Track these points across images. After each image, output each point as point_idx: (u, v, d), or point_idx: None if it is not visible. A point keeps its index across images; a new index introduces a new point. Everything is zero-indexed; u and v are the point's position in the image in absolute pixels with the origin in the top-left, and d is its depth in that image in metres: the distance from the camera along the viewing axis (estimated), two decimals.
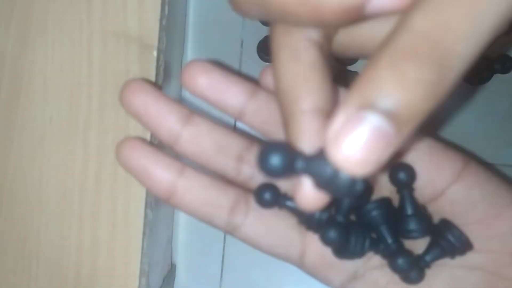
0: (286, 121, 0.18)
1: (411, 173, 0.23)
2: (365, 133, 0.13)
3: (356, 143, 0.13)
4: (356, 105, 0.13)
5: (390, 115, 0.12)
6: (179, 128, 0.23)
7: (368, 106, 0.13)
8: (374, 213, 0.23)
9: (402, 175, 0.23)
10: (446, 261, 0.23)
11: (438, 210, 0.24)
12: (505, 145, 0.33)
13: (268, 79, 0.24)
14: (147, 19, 0.28)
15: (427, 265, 0.23)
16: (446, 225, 0.23)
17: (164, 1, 0.28)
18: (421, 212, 0.23)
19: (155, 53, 0.28)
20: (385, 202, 0.23)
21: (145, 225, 0.27)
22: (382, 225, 0.23)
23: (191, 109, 0.23)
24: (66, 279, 0.28)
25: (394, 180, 0.23)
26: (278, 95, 0.19)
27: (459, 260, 0.23)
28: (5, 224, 0.28)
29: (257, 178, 0.24)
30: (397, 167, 0.23)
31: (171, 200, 0.23)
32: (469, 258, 0.23)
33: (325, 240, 0.22)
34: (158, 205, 0.29)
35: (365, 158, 0.13)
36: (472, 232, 0.23)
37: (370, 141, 0.13)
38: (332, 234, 0.22)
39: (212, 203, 0.23)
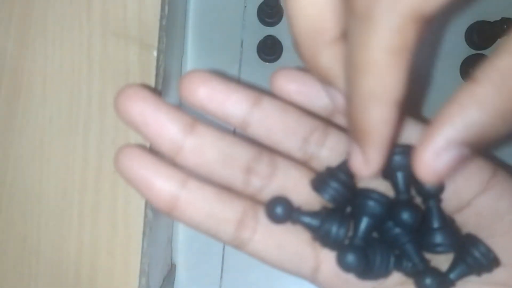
0: (311, 62, 0.19)
1: (439, 184, 0.22)
2: (451, 160, 0.17)
3: (446, 166, 0.17)
4: (443, 140, 0.16)
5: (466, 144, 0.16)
6: (181, 138, 0.21)
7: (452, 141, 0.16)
8: (397, 230, 0.22)
9: (429, 186, 0.21)
10: (470, 278, 0.22)
11: (463, 222, 0.22)
12: (505, 145, 0.33)
13: (278, 83, 0.22)
14: (147, 19, 0.28)
15: (452, 283, 0.22)
16: (472, 240, 0.22)
17: (164, 1, 0.28)
18: (450, 225, 0.22)
19: (155, 53, 0.28)
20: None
21: (145, 225, 0.27)
22: (407, 243, 0.22)
23: (194, 117, 0.22)
24: (66, 279, 0.28)
25: (420, 190, 0.22)
26: (300, 37, 0.19)
27: (484, 277, 0.22)
28: (5, 224, 0.28)
29: (268, 190, 0.22)
30: None
31: (172, 213, 0.22)
32: (495, 274, 0.22)
33: (343, 266, 0.21)
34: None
35: (446, 173, 0.17)
36: (497, 245, 0.22)
37: (454, 163, 0.17)
38: (351, 259, 0.21)
39: (217, 216, 0.22)
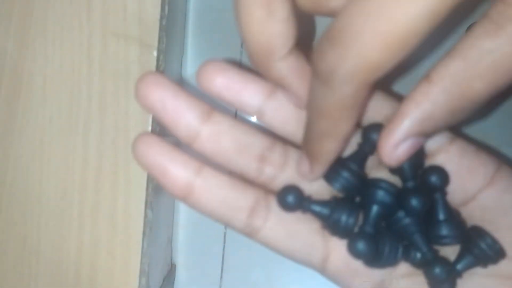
0: (265, 73, 0.21)
1: (444, 176, 0.22)
2: (408, 148, 0.19)
3: (403, 153, 0.19)
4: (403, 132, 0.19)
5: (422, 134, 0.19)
6: (198, 125, 0.22)
7: (412, 133, 0.19)
8: (406, 221, 0.22)
9: (434, 178, 0.22)
10: (476, 270, 0.22)
11: (468, 216, 0.23)
12: (505, 144, 0.33)
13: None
14: (147, 19, 0.28)
15: (459, 274, 0.22)
16: (478, 232, 0.22)
17: (164, 1, 0.28)
18: (455, 217, 0.22)
19: (155, 53, 0.28)
20: None
21: (145, 225, 0.27)
22: (415, 234, 0.22)
23: (212, 106, 0.23)
24: (66, 279, 0.28)
25: (426, 183, 0.22)
26: (252, 54, 0.20)
27: (489, 269, 0.22)
28: (5, 224, 0.28)
29: (280, 179, 0.23)
30: (429, 170, 0.22)
31: (187, 200, 0.22)
32: (500, 266, 0.22)
33: (354, 253, 0.21)
34: (158, 205, 0.29)
35: (406, 158, 0.19)
36: (502, 239, 0.22)
37: (410, 150, 0.19)
38: (361, 246, 0.21)
39: (231, 204, 0.22)
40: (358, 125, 0.23)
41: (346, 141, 0.21)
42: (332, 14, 0.19)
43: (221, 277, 0.34)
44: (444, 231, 0.22)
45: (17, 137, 0.28)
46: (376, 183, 0.22)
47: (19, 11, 0.28)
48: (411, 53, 0.17)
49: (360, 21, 0.16)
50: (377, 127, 0.22)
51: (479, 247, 0.22)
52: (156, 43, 0.28)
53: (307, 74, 0.21)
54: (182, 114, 0.22)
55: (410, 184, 0.22)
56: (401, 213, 0.22)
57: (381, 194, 0.22)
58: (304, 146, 0.22)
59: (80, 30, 0.28)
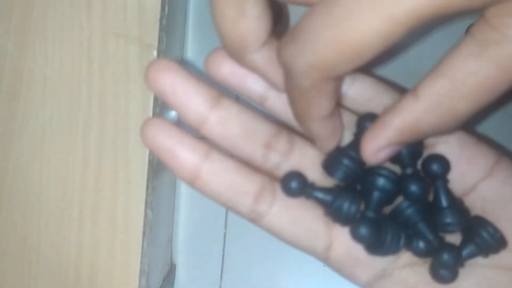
0: (240, 64, 0.22)
1: (445, 164, 0.22)
2: (388, 154, 0.20)
3: (384, 157, 0.20)
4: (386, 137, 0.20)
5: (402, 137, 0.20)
6: (207, 110, 0.22)
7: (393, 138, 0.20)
8: (410, 210, 0.22)
9: (436, 166, 0.22)
10: (478, 261, 0.23)
11: (469, 206, 0.23)
12: (505, 144, 0.33)
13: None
14: (147, 19, 0.28)
15: (461, 263, 0.22)
16: (480, 221, 0.22)
17: (164, 1, 0.28)
18: (458, 205, 0.22)
19: (155, 53, 0.28)
20: None
21: (145, 225, 0.27)
22: (420, 222, 0.22)
23: (220, 92, 0.23)
24: (66, 279, 0.28)
25: (427, 171, 0.22)
26: (227, 49, 0.21)
27: (490, 259, 0.22)
28: (5, 224, 0.28)
29: (284, 166, 0.24)
30: (430, 158, 0.22)
31: (195, 184, 0.22)
32: (501, 258, 0.22)
33: (356, 237, 0.22)
34: (158, 205, 0.29)
35: (386, 160, 0.21)
36: (503, 230, 0.22)
37: (389, 155, 0.20)
38: (364, 230, 0.21)
39: (237, 188, 0.22)
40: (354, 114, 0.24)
41: (336, 119, 0.22)
42: (308, 3, 0.20)
43: (221, 277, 0.34)
44: (448, 218, 0.22)
45: (17, 137, 0.28)
46: (376, 170, 0.22)
47: (19, 11, 0.28)
48: (366, 62, 0.17)
49: (321, 25, 0.17)
50: (371, 117, 0.23)
51: (480, 236, 0.22)
52: (156, 43, 0.28)
53: None
54: (192, 98, 0.22)
55: (409, 170, 0.22)
56: (404, 203, 0.22)
57: (382, 181, 0.22)
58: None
59: (80, 30, 0.28)
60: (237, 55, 0.21)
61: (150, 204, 0.28)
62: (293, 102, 0.20)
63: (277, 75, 0.21)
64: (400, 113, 0.19)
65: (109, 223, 0.27)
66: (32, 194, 0.28)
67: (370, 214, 0.22)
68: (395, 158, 0.23)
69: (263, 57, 0.21)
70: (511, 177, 0.23)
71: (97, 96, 0.28)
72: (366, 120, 0.23)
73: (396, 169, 0.23)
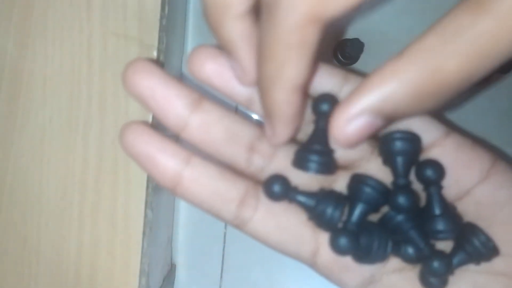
0: (217, 31, 0.20)
1: (440, 170, 0.22)
2: (361, 126, 0.18)
3: (355, 132, 0.18)
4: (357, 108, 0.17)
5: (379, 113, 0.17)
6: (187, 114, 0.21)
7: (364, 109, 0.17)
8: (400, 218, 0.22)
9: (430, 172, 0.21)
10: (469, 266, 0.22)
11: (462, 211, 0.23)
12: (506, 145, 0.33)
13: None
14: (147, 19, 0.28)
15: (451, 271, 0.22)
16: (472, 229, 0.22)
17: (164, 1, 0.28)
18: (451, 212, 0.22)
19: (155, 53, 0.28)
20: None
21: (145, 225, 0.27)
22: (410, 230, 0.22)
23: (201, 94, 0.22)
24: (66, 279, 0.28)
25: (421, 177, 0.22)
26: (208, 10, 0.20)
27: (482, 265, 0.22)
28: (5, 224, 0.28)
29: (268, 169, 0.23)
30: (424, 163, 0.22)
31: (176, 190, 0.22)
32: (493, 263, 0.22)
33: (335, 249, 0.21)
34: (158, 205, 0.29)
35: (358, 140, 0.18)
36: (496, 235, 0.21)
37: (363, 130, 0.18)
38: (343, 241, 0.21)
39: (220, 194, 0.22)
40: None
41: (303, 101, 0.20)
42: None
43: (221, 277, 0.34)
44: (440, 226, 0.21)
45: (17, 137, 0.28)
46: (363, 180, 0.22)
47: (19, 11, 0.28)
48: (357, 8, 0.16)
49: None
50: (329, 98, 0.22)
51: (472, 244, 0.21)
52: (156, 43, 0.28)
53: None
54: (172, 102, 0.21)
55: (401, 181, 0.22)
56: (394, 210, 0.22)
57: (367, 192, 0.21)
58: (261, 106, 0.21)
59: (80, 30, 0.28)
60: (217, 16, 0.20)
61: (150, 204, 0.28)
62: (265, 58, 0.18)
63: (248, 57, 0.20)
64: (379, 74, 0.17)
65: (109, 223, 0.27)
66: (32, 194, 0.28)
67: (351, 226, 0.21)
68: (389, 162, 0.22)
69: (241, 29, 0.20)
70: (506, 181, 0.22)
71: (97, 96, 0.28)
72: (322, 102, 0.22)
73: (387, 172, 0.23)
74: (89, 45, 0.28)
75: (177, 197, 0.22)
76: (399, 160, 0.22)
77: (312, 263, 0.23)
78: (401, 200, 0.21)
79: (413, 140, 0.22)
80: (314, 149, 0.22)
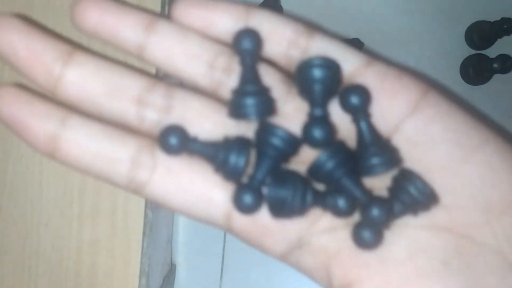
0: None
1: (365, 95, 0.19)
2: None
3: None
4: None
5: None
6: (58, 68, 0.19)
7: None
8: (329, 165, 0.19)
9: (355, 98, 0.19)
10: (408, 221, 0.19)
11: None
12: None
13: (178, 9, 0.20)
14: None
15: (386, 225, 0.19)
16: (406, 175, 0.19)
17: (164, 1, 0.28)
18: (383, 141, 0.19)
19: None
20: (339, 147, 0.19)
21: (145, 225, 0.27)
22: (343, 178, 0.19)
23: (73, 46, 0.20)
24: (66, 279, 0.28)
25: (346, 104, 0.19)
26: None
27: (422, 219, 0.19)
28: (5, 224, 0.28)
29: (165, 123, 0.20)
30: (348, 89, 0.19)
31: (56, 156, 0.19)
32: (434, 216, 0.19)
33: (238, 206, 0.19)
34: (158, 205, 0.29)
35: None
36: (435, 181, 0.19)
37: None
38: (247, 199, 0.19)
39: (106, 156, 0.19)
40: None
41: None
42: None
43: (221, 277, 0.34)
44: (374, 159, 0.19)
45: (17, 137, 0.28)
46: (270, 130, 0.19)
47: (19, 11, 0.28)
48: None
49: None
50: (250, 33, 0.20)
51: (407, 191, 0.19)
52: None
53: None
54: (37, 56, 0.19)
55: (317, 112, 0.19)
56: (323, 156, 0.19)
57: (275, 143, 0.19)
58: None
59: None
60: None
61: (150, 204, 0.28)
62: None
63: None
64: None
65: (109, 223, 0.27)
66: (32, 194, 0.28)
67: (256, 182, 0.19)
68: (306, 92, 0.20)
69: None
70: (439, 114, 0.19)
71: None
72: (244, 38, 0.20)
73: (305, 106, 0.20)
74: (89, 45, 0.28)
75: (61, 163, 0.20)
76: (316, 88, 0.19)
77: (228, 228, 0.20)
78: (316, 132, 0.19)
79: (332, 67, 0.19)
80: (248, 91, 0.20)
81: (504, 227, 0.19)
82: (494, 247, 0.19)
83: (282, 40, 0.20)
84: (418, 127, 0.19)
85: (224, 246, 0.34)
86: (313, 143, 0.19)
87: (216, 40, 0.20)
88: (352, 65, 0.20)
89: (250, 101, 0.19)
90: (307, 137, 0.19)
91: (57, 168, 0.28)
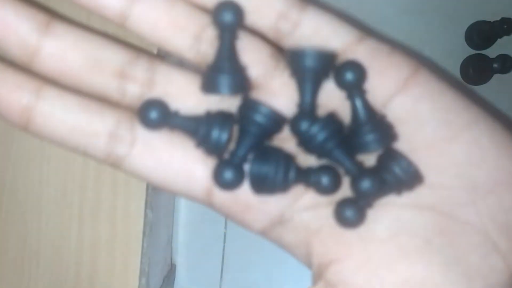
0: None
1: (361, 70, 0.19)
2: None
3: None
4: None
5: None
6: (34, 39, 0.19)
7: None
8: (321, 136, 0.19)
9: (350, 75, 0.19)
10: (391, 200, 0.19)
11: None
12: None
13: None
14: None
15: (369, 203, 0.19)
16: (390, 154, 0.19)
17: None
18: (378, 119, 0.19)
19: (155, 53, 0.28)
20: (330, 119, 0.19)
21: (145, 225, 0.27)
22: (334, 149, 0.19)
23: (51, 15, 0.20)
24: (66, 279, 0.28)
25: (341, 81, 0.19)
26: None
27: (406, 198, 0.19)
28: (5, 224, 0.28)
29: (147, 97, 0.20)
30: (343, 66, 0.19)
31: (29, 128, 0.19)
32: (418, 195, 0.19)
33: (218, 182, 0.19)
34: (158, 205, 0.29)
35: None
36: (421, 160, 0.19)
37: None
38: (227, 175, 0.19)
39: (82, 128, 0.19)
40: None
41: None
42: None
43: (221, 277, 0.34)
44: (368, 136, 0.19)
45: (17, 137, 0.28)
46: (253, 107, 0.19)
47: None
48: None
49: None
50: (232, 6, 0.19)
51: (391, 171, 0.19)
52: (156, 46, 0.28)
53: None
54: (12, 26, 0.18)
55: (307, 98, 0.19)
56: (314, 128, 0.19)
57: (257, 120, 0.19)
58: None
59: None
60: None
61: (150, 204, 0.28)
62: None
63: None
64: None
65: (109, 223, 0.27)
66: (32, 194, 0.28)
67: (237, 159, 0.19)
68: (296, 75, 0.19)
69: None
70: (428, 93, 0.19)
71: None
72: (225, 11, 0.19)
73: (291, 91, 0.20)
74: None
75: (36, 136, 0.19)
76: (307, 78, 0.19)
77: (209, 203, 0.20)
78: (304, 126, 0.19)
79: (327, 58, 0.19)
80: (223, 67, 0.19)
81: (489, 207, 0.18)
82: (477, 226, 0.18)
83: (272, 12, 0.19)
84: (405, 105, 0.19)
85: (224, 246, 0.34)
86: (300, 136, 0.19)
87: (203, 10, 0.20)
88: (343, 41, 0.19)
89: (223, 77, 0.19)
90: (294, 130, 0.19)
91: (57, 168, 0.28)
